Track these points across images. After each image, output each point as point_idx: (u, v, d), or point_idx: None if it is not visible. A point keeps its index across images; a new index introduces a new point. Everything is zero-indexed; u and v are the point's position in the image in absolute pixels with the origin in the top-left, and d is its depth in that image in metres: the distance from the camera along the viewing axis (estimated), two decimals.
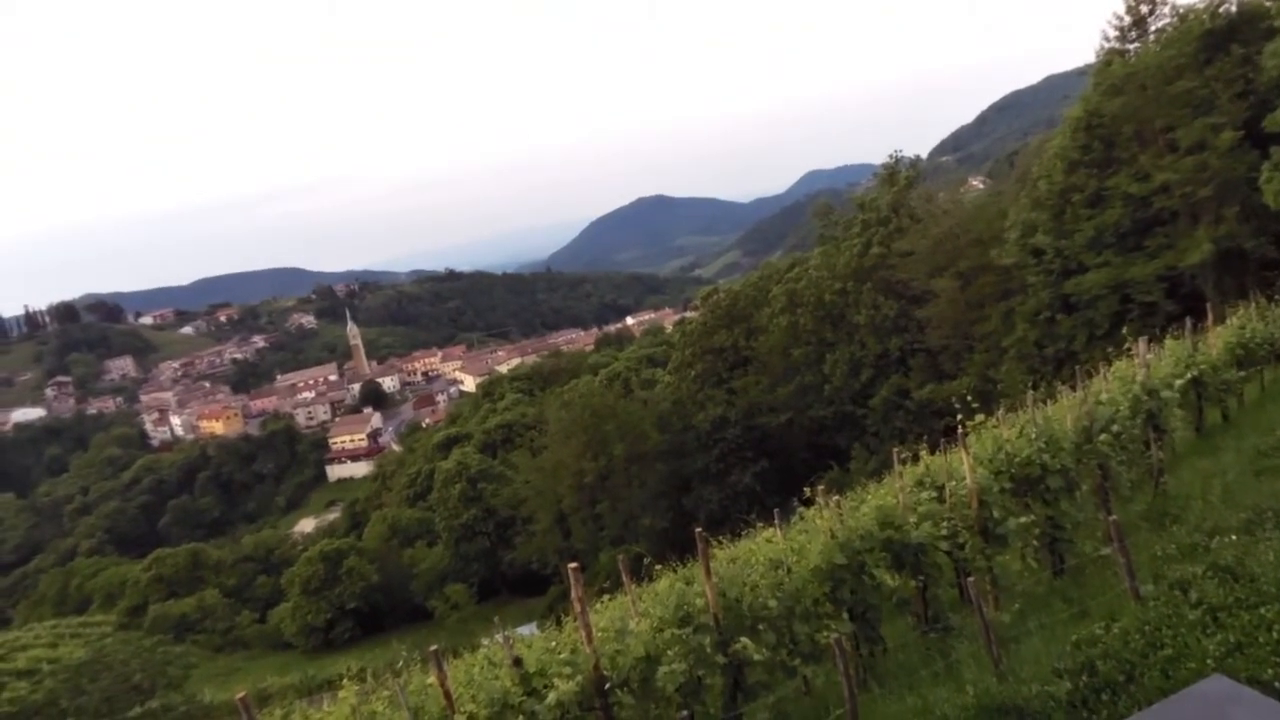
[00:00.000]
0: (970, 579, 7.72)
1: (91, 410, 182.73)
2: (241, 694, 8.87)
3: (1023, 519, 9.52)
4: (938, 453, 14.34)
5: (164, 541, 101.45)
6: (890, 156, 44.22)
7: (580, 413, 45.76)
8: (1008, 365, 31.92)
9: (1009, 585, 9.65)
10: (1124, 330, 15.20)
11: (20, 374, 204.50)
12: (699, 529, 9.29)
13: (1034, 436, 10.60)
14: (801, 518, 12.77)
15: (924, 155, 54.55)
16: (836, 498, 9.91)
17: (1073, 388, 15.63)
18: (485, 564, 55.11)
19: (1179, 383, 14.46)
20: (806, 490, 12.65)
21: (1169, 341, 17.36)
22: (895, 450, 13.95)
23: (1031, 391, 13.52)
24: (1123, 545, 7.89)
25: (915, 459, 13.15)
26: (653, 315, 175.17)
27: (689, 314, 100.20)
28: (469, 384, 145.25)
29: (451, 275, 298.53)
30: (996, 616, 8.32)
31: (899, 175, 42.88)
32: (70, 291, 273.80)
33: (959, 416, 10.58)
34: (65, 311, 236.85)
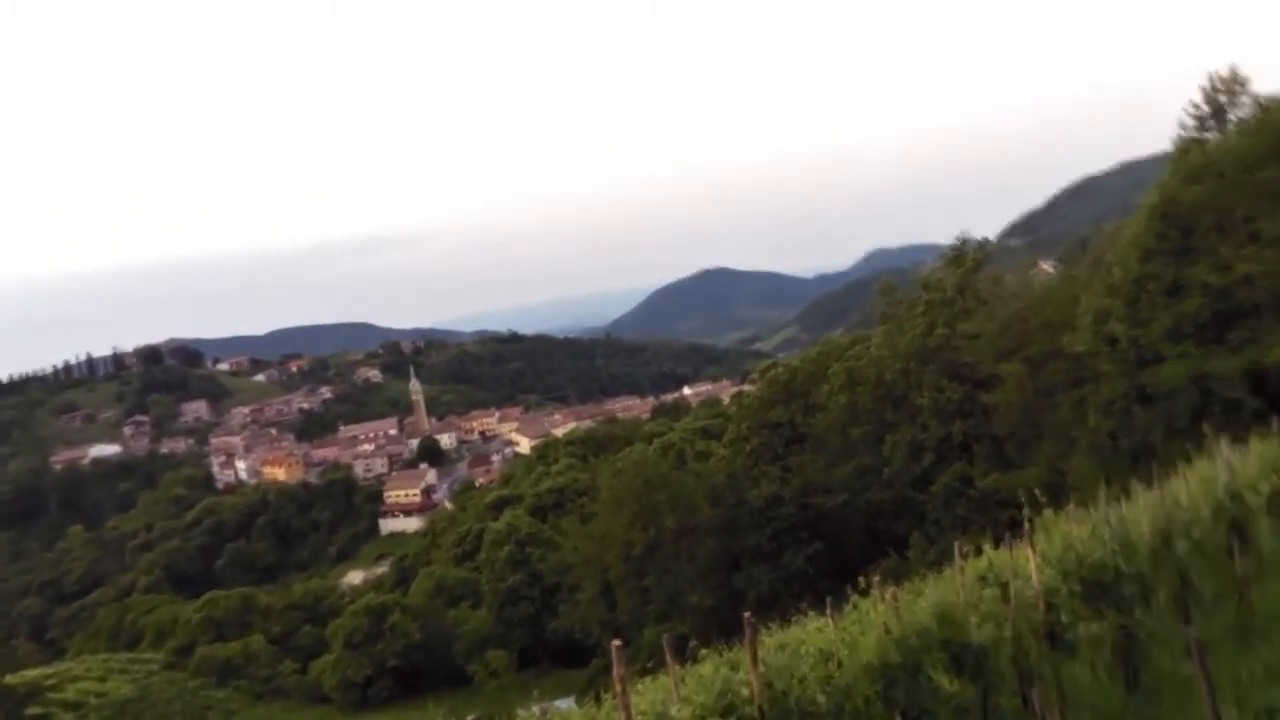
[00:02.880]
0: (1035, 689, 7.25)
1: (165, 450, 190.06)
2: None
3: (1094, 626, 8.96)
4: (1002, 547, 13.70)
5: (218, 583, 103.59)
6: (957, 237, 43.83)
7: (632, 481, 45.40)
8: (1078, 457, 30.57)
9: (1078, 698, 9.02)
10: (1204, 427, 14.47)
11: (102, 411, 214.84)
12: (747, 614, 9.00)
13: (1107, 538, 10.07)
14: (855, 607, 12.28)
15: (992, 237, 53.86)
16: (892, 589, 9.52)
17: (1149, 485, 14.87)
18: (528, 630, 54.30)
19: (1266, 488, 13.63)
20: (861, 579, 12.17)
21: (1255, 443, 16.46)
22: (957, 542, 13.38)
23: (1105, 488, 12.90)
24: (1204, 663, 7.33)
25: (978, 552, 12.60)
26: (710, 387, 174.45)
27: (746, 387, 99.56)
28: (524, 445, 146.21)
29: (514, 337, 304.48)
30: None
31: (966, 256, 42.36)
32: (156, 334, 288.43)
33: (1025, 510, 10.13)
34: (150, 354, 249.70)
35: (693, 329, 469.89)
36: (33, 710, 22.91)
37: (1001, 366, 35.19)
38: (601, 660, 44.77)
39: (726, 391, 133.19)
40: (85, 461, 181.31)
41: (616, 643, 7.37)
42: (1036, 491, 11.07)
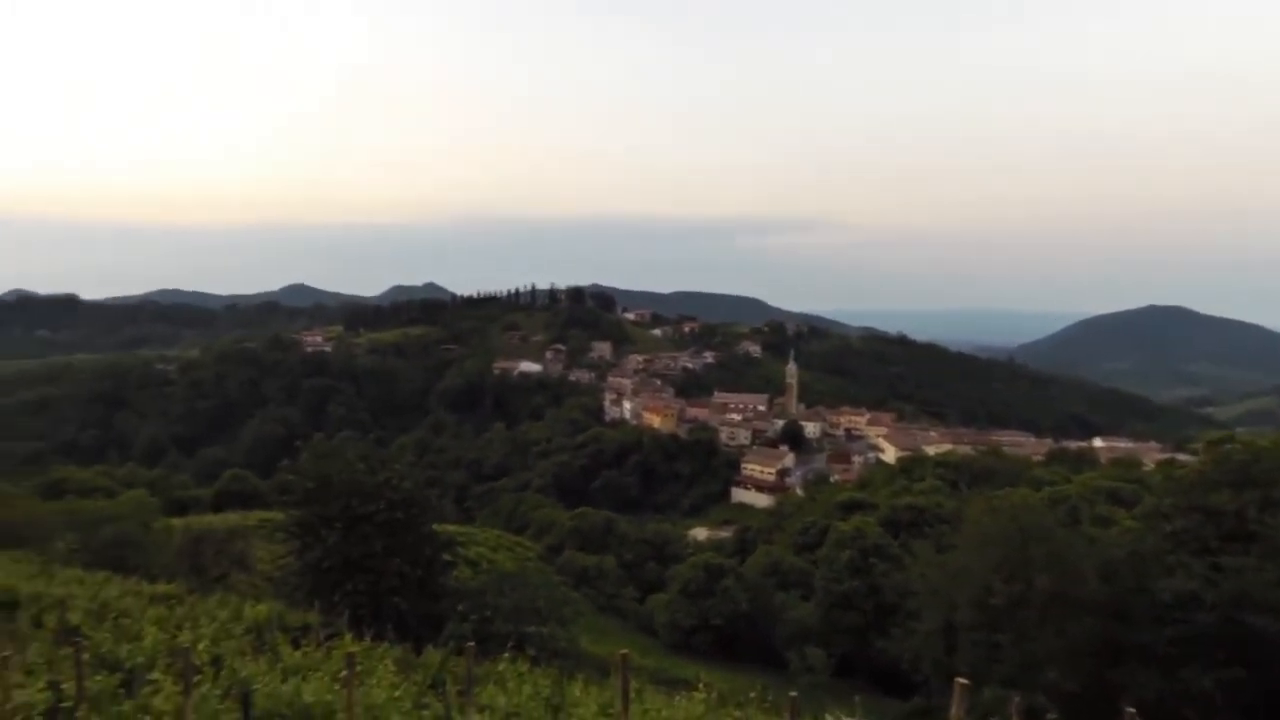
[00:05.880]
0: None
1: (572, 377, 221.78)
2: (624, 651, 9.19)
3: None
4: None
5: (590, 501, 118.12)
6: None
7: (1007, 524, 40.16)
8: None
9: None
10: None
11: (534, 334, 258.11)
12: (1132, 710, 7.15)
13: None
14: None
15: None
16: None
17: None
18: (852, 640, 52.16)
19: None
20: None
21: None
22: None
23: None
24: None
25: None
26: (1130, 445, 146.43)
27: (1183, 456, 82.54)
28: (889, 454, 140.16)
29: (901, 340, 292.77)
30: None
31: None
32: (585, 277, 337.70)
33: None
34: (576, 294, 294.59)
35: (1121, 373, 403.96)
36: (446, 556, 28.65)
37: None
38: (925, 701, 41.20)
39: (1152, 455, 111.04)
40: (515, 373, 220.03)
41: (962, 681, 6.28)
42: None
